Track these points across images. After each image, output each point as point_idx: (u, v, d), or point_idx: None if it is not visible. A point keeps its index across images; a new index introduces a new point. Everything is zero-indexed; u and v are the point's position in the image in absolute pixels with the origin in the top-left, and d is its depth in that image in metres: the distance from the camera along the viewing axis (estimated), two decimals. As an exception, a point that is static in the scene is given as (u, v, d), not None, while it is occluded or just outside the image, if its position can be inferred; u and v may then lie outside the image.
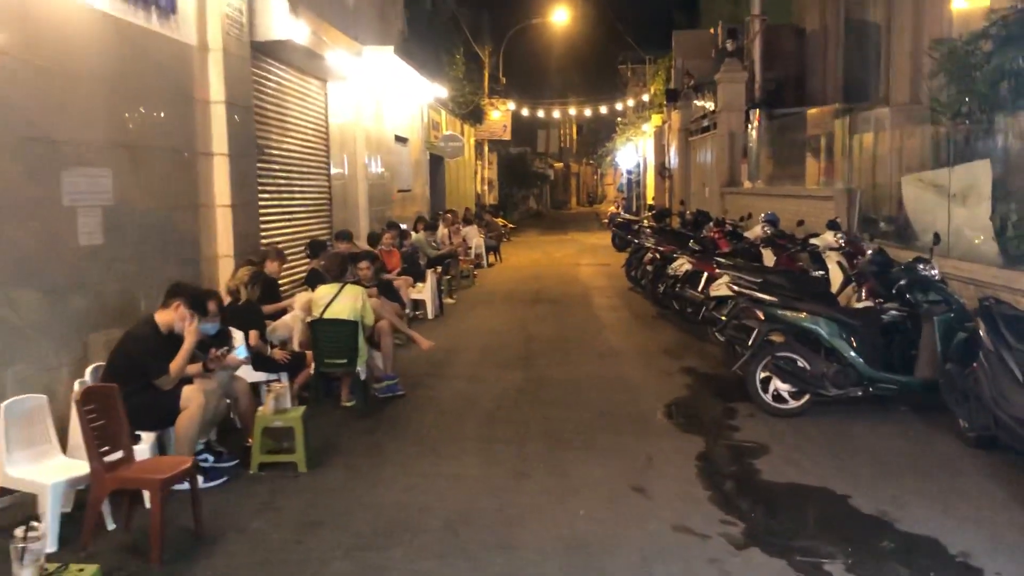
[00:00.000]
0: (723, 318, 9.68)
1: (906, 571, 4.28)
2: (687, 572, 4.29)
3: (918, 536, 4.68)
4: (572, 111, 37.00)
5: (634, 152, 35.91)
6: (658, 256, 13.60)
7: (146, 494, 4.76)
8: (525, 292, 15.69)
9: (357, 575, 4.27)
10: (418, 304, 12.71)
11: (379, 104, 15.63)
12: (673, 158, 26.22)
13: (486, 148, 33.88)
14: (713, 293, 10.03)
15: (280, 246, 10.54)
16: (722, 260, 10.83)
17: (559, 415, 7.21)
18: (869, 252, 9.05)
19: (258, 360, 7.06)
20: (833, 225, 10.07)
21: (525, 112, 34.85)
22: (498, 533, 4.74)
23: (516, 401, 7.74)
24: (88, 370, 5.43)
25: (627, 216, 26.72)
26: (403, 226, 16.05)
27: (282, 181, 10.71)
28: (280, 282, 9.97)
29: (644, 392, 8.03)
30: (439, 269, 14.81)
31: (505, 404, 7.63)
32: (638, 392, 8.05)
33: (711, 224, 15.59)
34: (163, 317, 5.51)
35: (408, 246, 14.53)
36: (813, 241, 9.84)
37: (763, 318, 7.28)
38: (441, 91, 19.73)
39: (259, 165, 9.60)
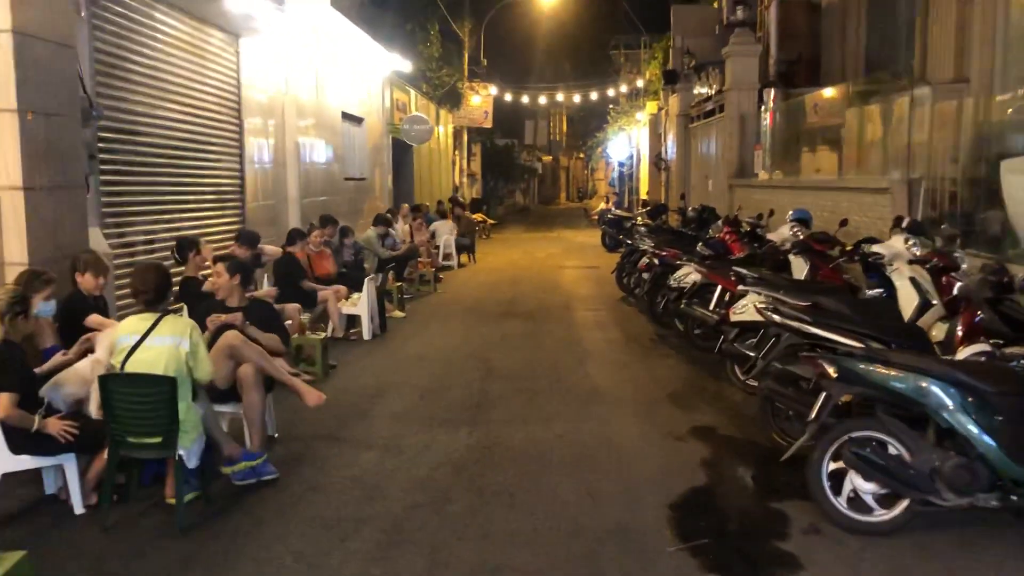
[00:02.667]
0: (750, 354, 7.04)
1: None
2: None
3: None
4: (560, 97, 34.25)
5: (627, 143, 33.22)
6: (656, 263, 10.93)
7: None
8: (496, 302, 12.98)
9: None
10: (354, 320, 10.01)
11: (318, 73, 12.91)
12: (670, 148, 23.56)
13: (466, 137, 31.14)
14: (735, 318, 7.36)
15: (154, 247, 7.86)
16: (744, 271, 8.18)
17: (505, 531, 4.51)
18: (963, 266, 6.41)
19: (19, 438, 4.35)
20: (916, 228, 7.29)
21: (508, 98, 32.11)
22: None
23: (443, 496, 5.01)
24: None
25: (619, 212, 24.04)
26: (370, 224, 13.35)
27: (157, 160, 7.98)
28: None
29: (640, 477, 5.33)
30: (391, 275, 12.13)
31: (424, 503, 4.91)
32: (631, 476, 5.34)
33: (720, 223, 12.96)
34: None
35: (350, 245, 11.83)
36: (876, 249, 7.15)
37: (834, 374, 4.58)
38: (403, 64, 17.00)
39: (108, 135, 6.89)
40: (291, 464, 5.46)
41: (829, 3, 17.62)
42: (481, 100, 29.62)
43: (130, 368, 4.35)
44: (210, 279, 5.72)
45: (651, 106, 27.06)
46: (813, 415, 4.59)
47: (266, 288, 8.22)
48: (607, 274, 15.12)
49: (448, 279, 15.99)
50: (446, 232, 18.34)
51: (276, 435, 6.02)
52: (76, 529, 4.42)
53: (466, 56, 28.95)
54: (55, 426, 4.40)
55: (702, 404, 7.00)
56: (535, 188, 55.47)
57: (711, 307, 8.97)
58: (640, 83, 29.81)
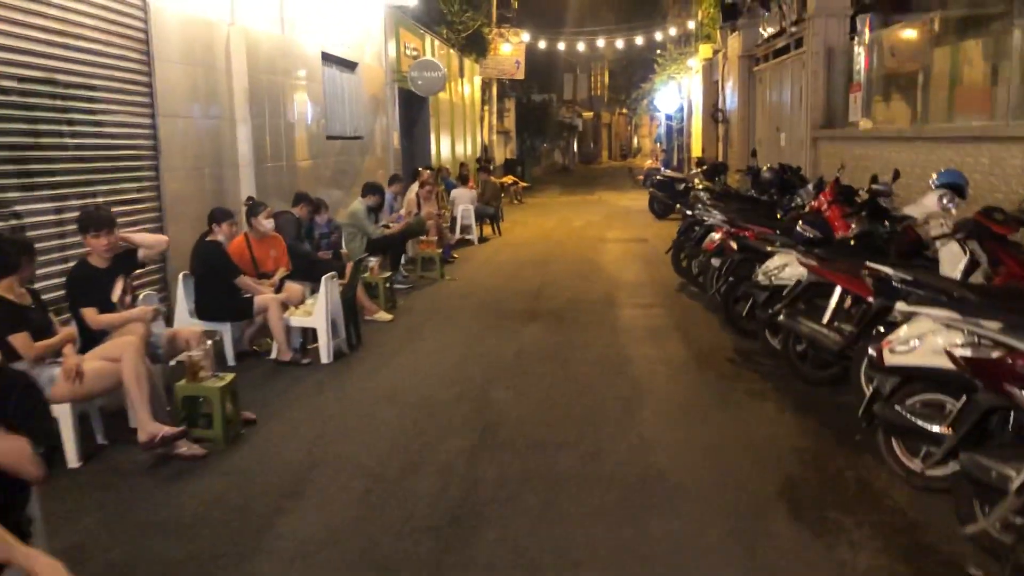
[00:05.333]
0: (935, 431, 4.03)
1: None
2: None
3: None
4: (601, 43, 30.84)
5: (676, 93, 29.76)
6: (734, 247, 7.89)
7: None
8: (516, 294, 10.05)
9: None
10: (313, 335, 7.15)
11: (284, 1, 9.95)
12: (730, 97, 20.20)
13: (494, 90, 27.97)
14: (895, 360, 4.32)
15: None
16: (889, 272, 5.18)
17: None
18: None
19: None
20: None
21: (543, 46, 28.78)
22: None
23: None
24: None
25: (670, 173, 20.84)
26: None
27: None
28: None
29: None
30: (375, 263, 9.28)
31: None
32: None
33: (810, 187, 9.84)
34: None
35: (323, 224, 9.01)
36: None
37: None
38: (407, -4, 13.98)
39: None
40: None
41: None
42: (512, 48, 26.42)
43: None
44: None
45: (705, 50, 23.59)
46: None
47: (139, 307, 5.37)
48: (658, 250, 12.19)
49: (463, 259, 13.10)
50: (466, 201, 15.43)
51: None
52: None
53: (494, -2, 25.72)
54: None
55: (844, 515, 4.01)
56: (575, 146, 52.09)
57: (825, 319, 5.99)
58: (691, 24, 26.29)
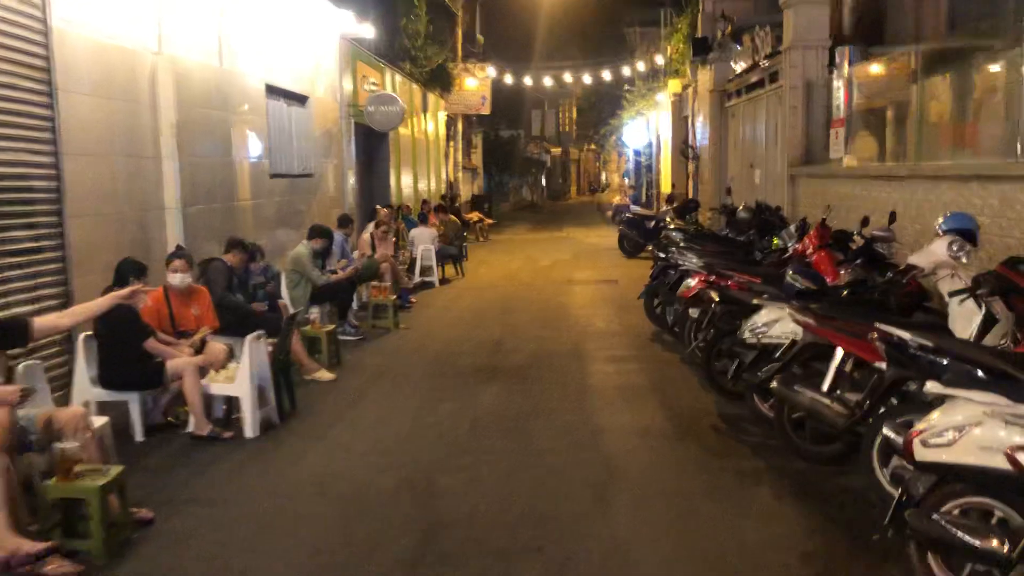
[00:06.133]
0: (992, 549, 3.19)
1: None
2: None
3: None
4: (568, 77, 30.36)
5: (645, 128, 29.28)
6: (716, 299, 7.06)
7: None
8: (475, 347, 9.16)
9: None
10: (234, 405, 6.20)
11: (223, 28, 9.10)
12: (700, 132, 19.62)
13: (460, 126, 27.25)
14: (928, 457, 3.47)
15: None
16: (906, 337, 4.42)
17: None
18: None
19: None
20: None
21: (509, 80, 28.18)
22: None
23: None
24: None
25: (640, 211, 20.20)
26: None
27: None
28: None
29: None
30: (316, 316, 8.36)
31: None
32: None
33: (792, 229, 9.10)
34: None
35: (259, 271, 8.11)
36: None
37: None
38: (361, 28, 13.19)
39: None
40: None
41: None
42: (478, 84, 25.74)
43: None
44: None
45: (674, 84, 23.07)
46: None
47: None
48: (629, 293, 11.44)
49: (422, 304, 12.21)
50: (426, 240, 14.58)
51: None
52: None
53: (459, 32, 25.04)
54: None
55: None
56: (543, 182, 51.59)
57: (826, 387, 5.18)
58: (660, 59, 25.83)
